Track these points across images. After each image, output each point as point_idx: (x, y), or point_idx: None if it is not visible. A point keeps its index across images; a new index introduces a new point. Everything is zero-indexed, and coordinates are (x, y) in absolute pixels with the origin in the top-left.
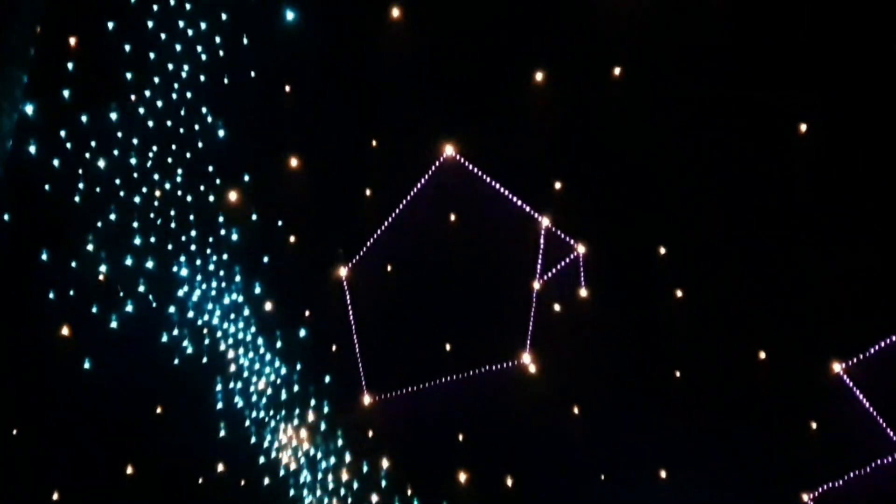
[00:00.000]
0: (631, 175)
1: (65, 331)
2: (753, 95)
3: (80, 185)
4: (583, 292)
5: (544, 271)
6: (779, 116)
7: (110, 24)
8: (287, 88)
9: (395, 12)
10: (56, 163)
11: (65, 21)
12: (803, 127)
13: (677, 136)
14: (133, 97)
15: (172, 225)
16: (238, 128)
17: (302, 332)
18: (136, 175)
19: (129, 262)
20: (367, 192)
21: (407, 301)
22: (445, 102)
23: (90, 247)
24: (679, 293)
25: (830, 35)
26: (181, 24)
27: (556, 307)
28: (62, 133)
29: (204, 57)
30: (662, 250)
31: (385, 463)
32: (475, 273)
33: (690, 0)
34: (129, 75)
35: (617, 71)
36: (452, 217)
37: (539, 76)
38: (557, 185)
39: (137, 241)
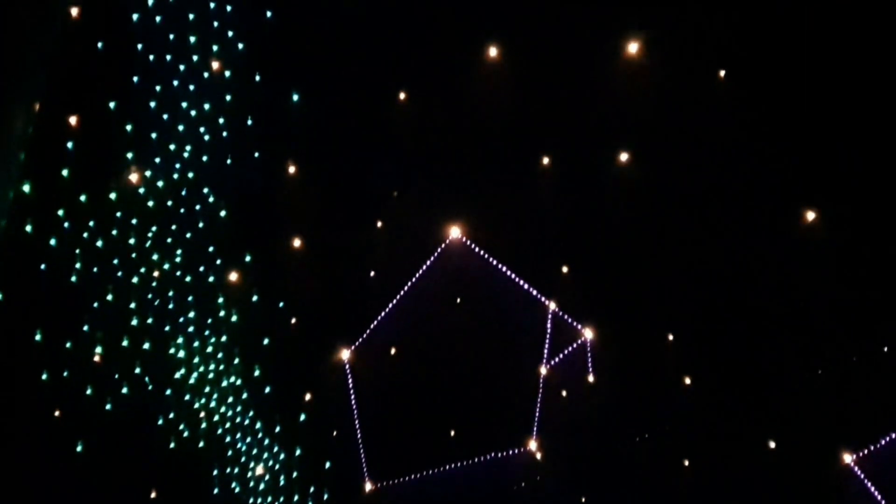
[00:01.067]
0: (639, 261)
1: (57, 413)
2: (760, 182)
3: (77, 265)
4: (590, 378)
5: (551, 356)
6: (787, 203)
7: (112, 104)
8: (291, 169)
9: (402, 94)
10: (53, 242)
11: (66, 100)
12: (811, 215)
13: (686, 222)
14: (134, 177)
15: (171, 306)
16: (240, 208)
17: (302, 417)
18: (134, 255)
19: (125, 343)
20: (371, 274)
21: (410, 385)
22: (452, 184)
23: (86, 327)
24: (687, 380)
25: (836, 126)
26: (184, 104)
27: (564, 393)
28: (60, 212)
29: (207, 137)
30: (671, 336)
31: None
32: (481, 357)
33: (694, 86)
34: (130, 155)
35: (624, 157)
36: (458, 300)
37: (546, 160)
38: (565, 269)
39: (134, 321)
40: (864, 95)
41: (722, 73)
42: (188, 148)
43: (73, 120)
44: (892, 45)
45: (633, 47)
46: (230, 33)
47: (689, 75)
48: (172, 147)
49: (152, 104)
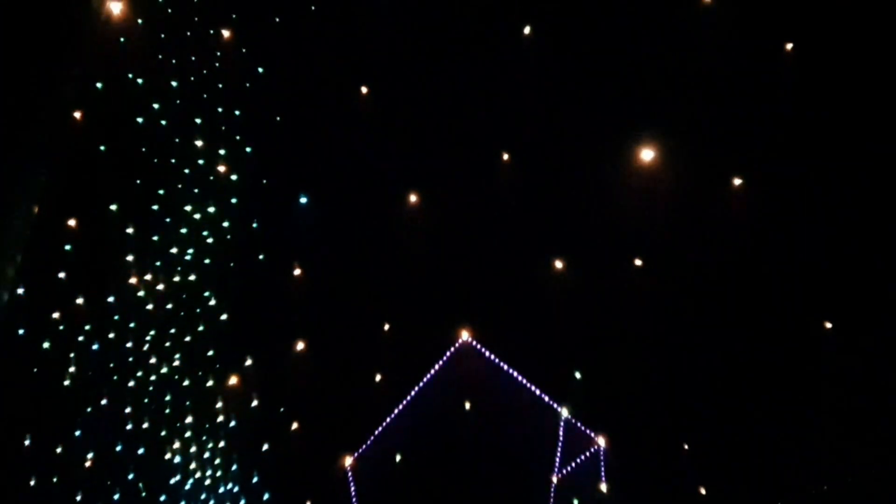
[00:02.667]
0: (653, 367)
1: None
2: (775, 289)
3: (71, 369)
4: (603, 487)
5: (563, 464)
6: (805, 312)
7: (113, 206)
8: (297, 271)
9: (413, 197)
10: (46, 345)
11: (66, 202)
12: (827, 324)
13: (701, 329)
14: (133, 280)
15: (168, 410)
16: (242, 311)
17: None
18: (131, 359)
19: (118, 448)
20: (377, 378)
21: (417, 494)
22: (462, 286)
23: (77, 432)
24: (703, 490)
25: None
26: (188, 207)
27: (576, 502)
28: (55, 315)
29: (210, 240)
30: (686, 446)
31: None
32: (490, 465)
33: (707, 193)
34: (129, 257)
35: (638, 262)
36: (467, 405)
37: (559, 264)
38: (577, 375)
39: (129, 426)
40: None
41: (737, 181)
42: (190, 251)
43: (72, 222)
44: None
45: (647, 154)
46: (238, 137)
47: (702, 182)
48: (174, 250)
49: (155, 207)
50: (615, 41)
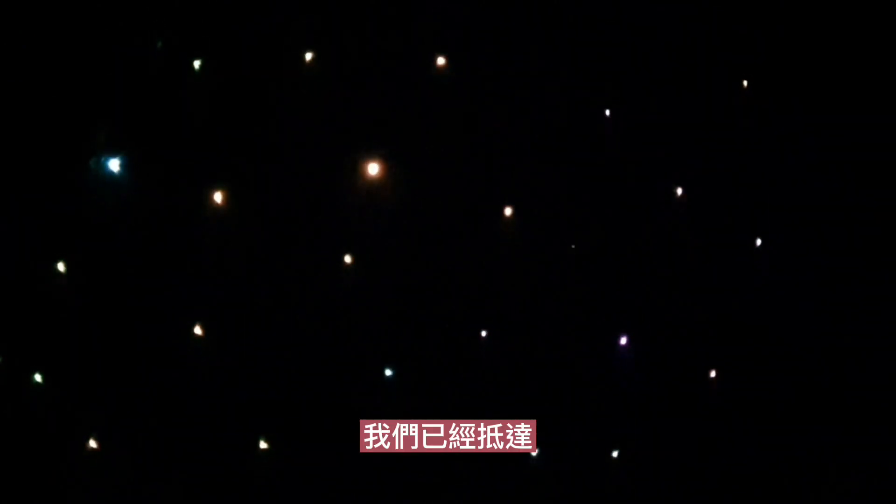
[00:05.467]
0: None
1: None
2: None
3: None
4: None
5: None
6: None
7: None
8: None
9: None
10: None
11: None
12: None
13: None
14: None
15: None
16: None
17: None
18: None
19: None
20: None
21: None
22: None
23: None
24: None
25: None
26: None
27: None
28: None
29: None
30: None
31: None
32: None
33: (683, 380)
34: None
35: (615, 453)
36: None
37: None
38: None
39: None
40: None
41: (713, 373)
42: None
43: None
44: None
45: (622, 340)
46: None
47: (676, 370)
48: None
49: None
50: None
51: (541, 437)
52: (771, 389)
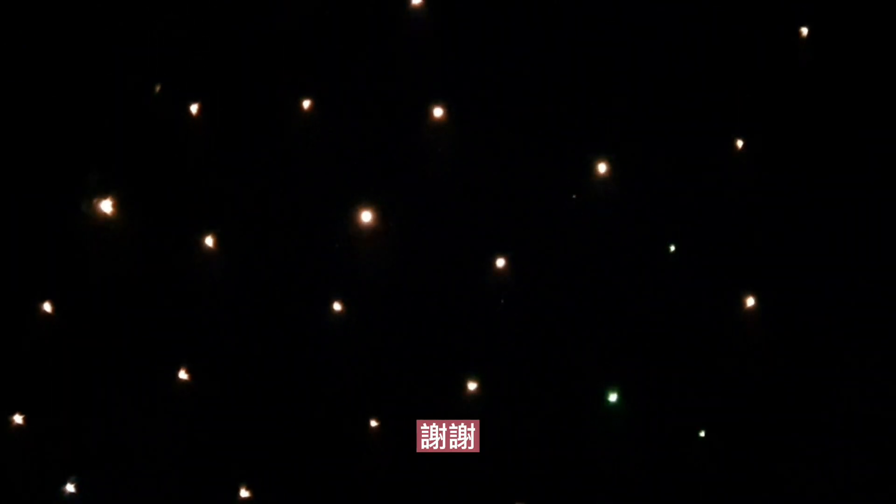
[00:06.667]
0: None
1: None
2: None
3: None
4: None
5: None
6: None
7: None
8: None
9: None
10: None
11: None
12: None
13: None
14: None
15: None
16: None
17: None
18: None
19: None
20: None
21: None
22: None
23: None
24: None
25: None
26: None
27: None
28: None
29: None
30: None
31: None
32: None
33: (673, 442)
34: None
35: None
36: None
37: None
38: None
39: None
40: None
41: (702, 433)
42: None
43: None
44: None
45: (612, 397)
46: None
47: (669, 431)
48: None
49: None
50: None
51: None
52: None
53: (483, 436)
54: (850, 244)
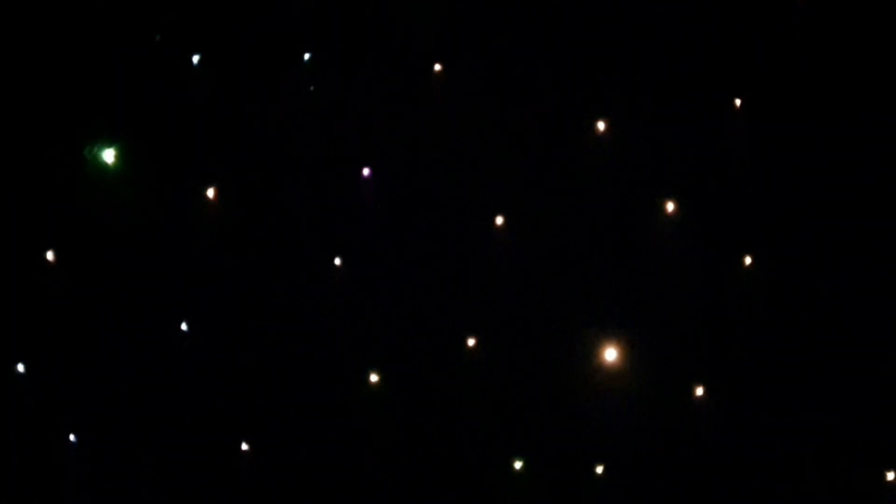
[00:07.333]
0: None
1: None
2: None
3: None
4: None
5: None
6: None
7: None
8: None
9: (373, 377)
10: None
11: None
12: None
13: None
14: None
15: None
16: None
17: None
18: None
19: None
20: None
21: None
22: (411, 485)
23: None
24: None
25: None
26: None
27: None
28: None
29: None
30: None
31: None
32: None
33: (673, 397)
34: None
35: (599, 469)
36: None
37: (518, 464)
38: None
39: None
40: None
41: (699, 390)
42: None
43: None
44: None
45: (610, 354)
46: None
47: (667, 385)
48: None
49: None
50: None
51: (523, 448)
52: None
53: (482, 392)
54: (852, 203)
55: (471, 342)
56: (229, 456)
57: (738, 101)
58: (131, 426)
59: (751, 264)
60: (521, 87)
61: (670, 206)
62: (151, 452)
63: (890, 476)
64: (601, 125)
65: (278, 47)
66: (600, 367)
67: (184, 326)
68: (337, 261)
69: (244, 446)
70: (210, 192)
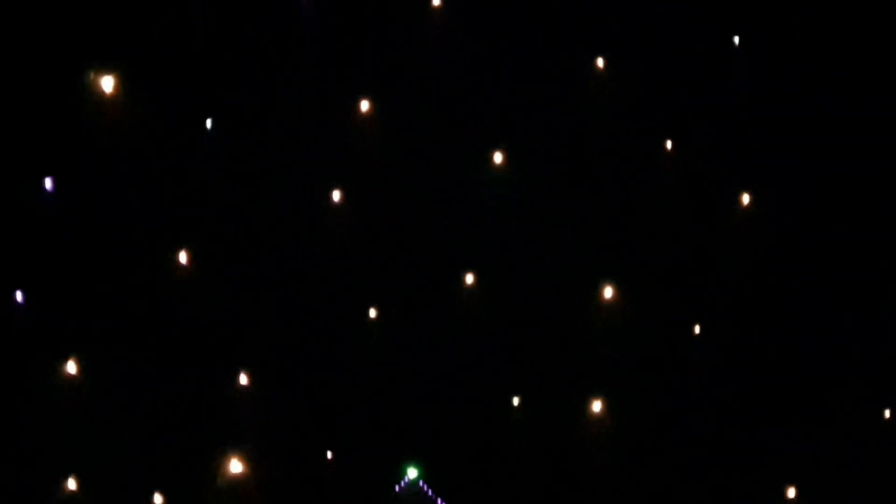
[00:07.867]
0: None
1: None
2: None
3: None
4: None
5: None
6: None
7: None
8: None
9: (372, 312)
10: None
11: None
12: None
13: (671, 479)
14: None
15: None
16: None
17: None
18: None
19: None
20: None
21: None
22: (409, 421)
23: None
24: None
25: None
26: None
27: None
28: None
29: None
30: None
31: None
32: None
33: (667, 336)
34: None
35: (597, 406)
36: None
37: (516, 400)
38: None
39: None
40: None
41: (696, 328)
42: None
43: None
44: None
45: (607, 291)
46: None
47: (663, 324)
48: None
49: None
50: None
51: (521, 384)
52: (755, 346)
53: (481, 328)
54: (850, 144)
55: (469, 279)
56: (227, 388)
57: (736, 39)
58: (130, 356)
59: (749, 203)
60: (521, 21)
61: (668, 144)
62: (150, 383)
63: (887, 414)
64: (600, 61)
65: None
66: (599, 304)
67: (183, 258)
68: (335, 194)
69: (243, 379)
70: (209, 123)
